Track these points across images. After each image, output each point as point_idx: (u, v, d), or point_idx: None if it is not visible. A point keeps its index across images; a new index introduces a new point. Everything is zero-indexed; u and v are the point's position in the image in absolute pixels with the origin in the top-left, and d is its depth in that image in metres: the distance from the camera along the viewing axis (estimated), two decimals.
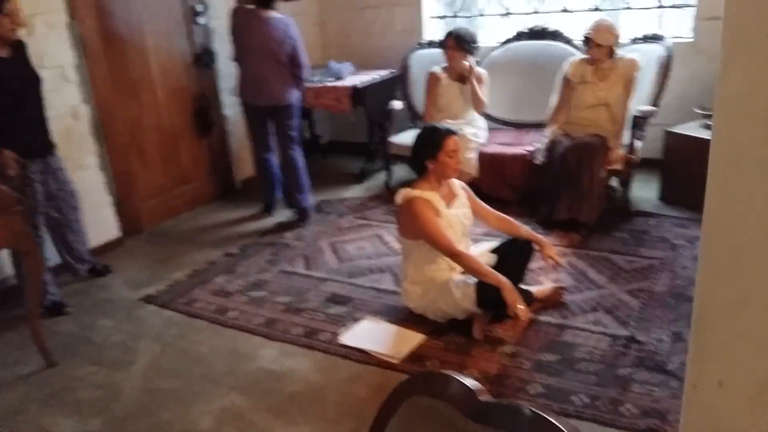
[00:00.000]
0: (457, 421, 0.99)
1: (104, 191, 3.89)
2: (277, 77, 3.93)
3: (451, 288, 2.69)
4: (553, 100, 3.97)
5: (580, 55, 3.94)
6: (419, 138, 2.83)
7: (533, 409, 0.89)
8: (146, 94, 4.15)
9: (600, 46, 3.67)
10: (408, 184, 2.87)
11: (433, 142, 2.72)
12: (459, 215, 2.82)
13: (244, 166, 5.00)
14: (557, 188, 3.70)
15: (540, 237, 2.90)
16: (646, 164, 4.00)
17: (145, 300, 3.31)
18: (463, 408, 0.98)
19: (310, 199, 4.25)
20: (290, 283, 3.36)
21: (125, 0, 3.94)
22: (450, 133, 2.75)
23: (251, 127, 4.24)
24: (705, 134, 3.70)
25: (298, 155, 4.17)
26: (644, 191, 4.06)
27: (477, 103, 4.21)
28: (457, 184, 2.92)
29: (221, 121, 4.73)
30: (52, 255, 3.36)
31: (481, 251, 2.89)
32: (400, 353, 2.65)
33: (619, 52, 3.77)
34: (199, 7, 4.44)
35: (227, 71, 4.71)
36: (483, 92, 4.19)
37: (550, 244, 2.86)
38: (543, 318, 2.79)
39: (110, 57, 3.85)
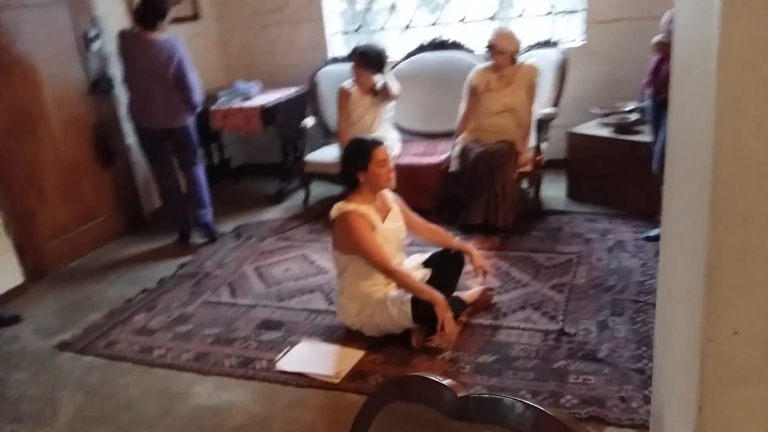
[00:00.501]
0: (438, 421, 0.99)
1: (2, 234, 3.60)
2: (165, 100, 3.86)
3: (388, 305, 2.70)
4: (462, 108, 4.09)
5: (483, 64, 4.08)
6: (347, 151, 2.82)
7: (515, 398, 0.91)
8: (41, 126, 3.89)
9: (503, 53, 3.81)
10: (332, 200, 2.87)
11: (362, 154, 2.72)
12: (394, 229, 2.84)
13: (153, 197, 4.79)
14: (472, 194, 3.80)
15: (470, 247, 2.97)
16: (552, 165, 4.20)
17: (60, 347, 3.08)
18: (442, 408, 0.99)
19: (210, 215, 4.20)
20: (217, 314, 3.24)
21: (11, 28, 3.69)
22: (377, 143, 2.76)
23: (147, 151, 4.10)
24: (604, 132, 3.94)
25: (199, 173, 4.13)
26: (553, 190, 4.25)
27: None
28: (391, 197, 2.93)
29: (124, 151, 4.52)
30: None
31: (415, 264, 2.93)
32: (341, 372, 2.62)
33: (520, 58, 3.94)
34: (92, 32, 4.24)
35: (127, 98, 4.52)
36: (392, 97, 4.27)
37: (479, 254, 2.94)
38: (476, 321, 2.86)
39: (2, 89, 3.60)
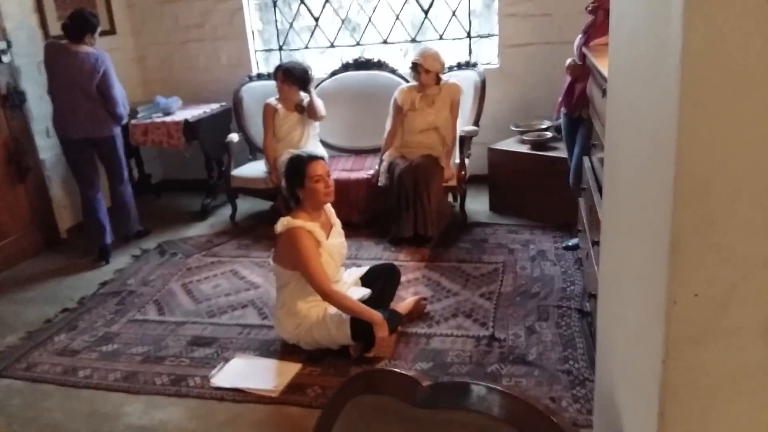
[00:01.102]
0: (404, 411, 1.03)
1: None
2: (88, 111, 3.90)
3: (327, 322, 2.73)
4: (388, 125, 4.19)
5: (407, 83, 4.21)
6: (286, 169, 2.86)
7: (478, 382, 0.98)
8: None
9: (428, 72, 3.94)
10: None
11: (298, 171, 2.75)
12: (337, 245, 2.87)
13: (68, 214, 4.58)
14: (400, 208, 3.90)
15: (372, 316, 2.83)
16: (475, 179, 4.38)
17: None
18: (408, 398, 1.03)
19: (135, 227, 4.35)
20: (144, 332, 3.15)
21: None
22: (313, 158, 2.80)
23: (70, 162, 4.11)
24: (522, 148, 4.16)
25: (127, 189, 4.24)
26: (476, 204, 4.43)
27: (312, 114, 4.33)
28: (333, 212, 2.98)
29: (38, 166, 4.31)
30: None
31: (353, 279, 2.99)
32: (279, 386, 2.62)
33: (443, 77, 4.10)
34: (1, 45, 4.04)
35: (40, 112, 4.33)
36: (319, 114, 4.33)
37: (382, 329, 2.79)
38: (410, 330, 2.93)
39: None
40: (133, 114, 4.65)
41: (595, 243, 2.46)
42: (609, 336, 1.26)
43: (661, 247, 0.67)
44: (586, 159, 3.09)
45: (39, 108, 4.32)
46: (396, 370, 1.08)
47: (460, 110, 4.25)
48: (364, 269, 3.07)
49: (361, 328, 2.69)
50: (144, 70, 5.44)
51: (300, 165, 2.77)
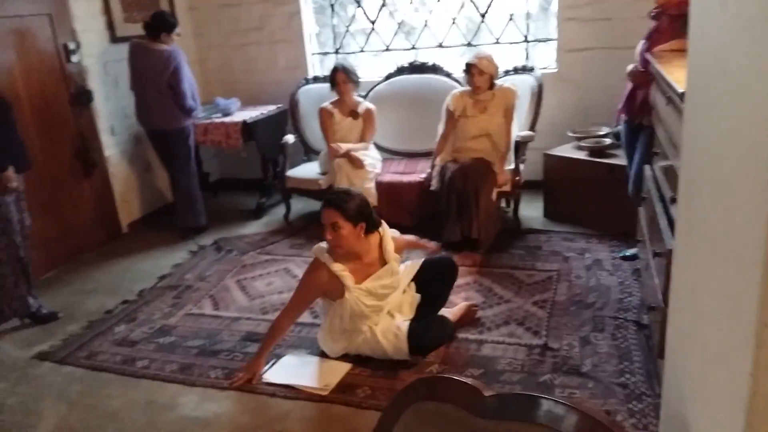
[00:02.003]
0: (466, 420, 1.03)
1: None
2: (159, 105, 4.26)
3: (379, 339, 2.70)
4: (440, 129, 4.17)
5: (460, 89, 4.15)
6: None
7: (541, 395, 0.96)
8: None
9: (482, 74, 3.88)
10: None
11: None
12: (381, 285, 2.73)
13: (131, 209, 4.76)
14: (449, 211, 3.87)
15: (424, 243, 3.12)
16: (530, 185, 4.32)
17: (39, 357, 3.02)
18: (470, 407, 1.02)
19: (194, 221, 4.51)
20: (199, 326, 3.22)
21: None
22: (325, 204, 2.65)
23: (155, 150, 4.61)
24: (579, 155, 4.07)
25: (192, 184, 4.47)
26: (530, 210, 4.37)
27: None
28: (391, 248, 2.76)
29: (103, 163, 4.48)
30: None
31: (406, 281, 2.89)
32: (329, 385, 2.64)
33: (497, 82, 4.06)
34: (71, 45, 4.22)
35: (106, 110, 4.51)
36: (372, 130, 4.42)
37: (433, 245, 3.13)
38: (461, 335, 2.90)
39: None
40: None
41: (657, 254, 2.40)
42: (680, 353, 1.21)
43: (753, 267, 0.64)
44: (647, 167, 3.01)
45: (105, 107, 4.50)
46: (458, 378, 1.07)
47: (516, 115, 4.21)
48: (418, 263, 2.94)
49: (420, 343, 2.69)
50: (205, 71, 5.58)
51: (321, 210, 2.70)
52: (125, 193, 4.68)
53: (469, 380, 1.05)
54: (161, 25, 4.20)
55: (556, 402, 0.93)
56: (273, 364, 2.81)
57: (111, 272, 4.01)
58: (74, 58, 4.25)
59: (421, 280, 2.90)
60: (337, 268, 2.66)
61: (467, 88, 4.05)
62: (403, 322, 2.74)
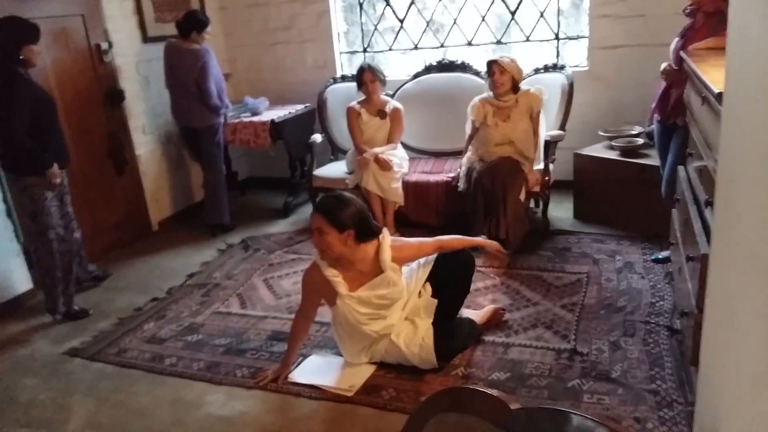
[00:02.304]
0: None
1: (13, 240, 3.60)
2: (188, 101, 4.38)
3: (403, 350, 2.66)
4: (468, 128, 4.13)
5: (481, 95, 3.99)
6: None
7: (571, 411, 0.93)
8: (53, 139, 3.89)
9: (503, 72, 3.77)
10: None
11: None
12: (374, 295, 2.64)
13: (161, 207, 4.82)
14: (476, 212, 3.83)
15: (479, 240, 3.00)
16: (559, 186, 4.25)
17: (70, 353, 3.08)
18: (496, 420, 1.00)
19: (219, 218, 4.57)
20: (226, 324, 3.25)
21: None
22: (315, 208, 2.63)
23: (186, 147, 4.85)
24: (611, 155, 3.99)
25: (218, 182, 4.54)
26: (559, 211, 4.30)
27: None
28: (387, 258, 2.62)
29: (134, 161, 4.54)
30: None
31: (419, 282, 2.79)
32: (354, 386, 2.63)
33: (524, 85, 3.94)
34: (104, 45, 4.28)
35: (137, 109, 4.57)
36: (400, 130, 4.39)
37: (491, 243, 2.99)
38: (488, 338, 2.87)
39: None
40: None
41: (690, 258, 2.33)
42: (715, 367, 1.17)
43: None
44: (680, 168, 2.94)
45: (136, 106, 4.57)
46: (484, 390, 1.05)
47: (546, 113, 4.15)
48: (431, 262, 2.79)
49: (446, 350, 2.67)
50: (234, 71, 5.62)
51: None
52: (156, 191, 4.75)
53: (494, 392, 1.02)
54: (192, 23, 4.27)
55: (585, 417, 0.90)
56: (299, 364, 2.82)
57: (141, 270, 4.07)
58: (106, 58, 4.32)
59: (437, 279, 2.77)
60: (330, 273, 2.61)
61: (488, 94, 3.94)
62: (426, 330, 2.67)
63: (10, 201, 3.56)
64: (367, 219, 2.61)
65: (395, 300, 2.67)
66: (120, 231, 4.43)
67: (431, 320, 2.72)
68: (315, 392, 2.62)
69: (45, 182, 3.18)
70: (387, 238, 2.67)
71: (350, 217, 2.53)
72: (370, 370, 2.73)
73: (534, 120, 3.89)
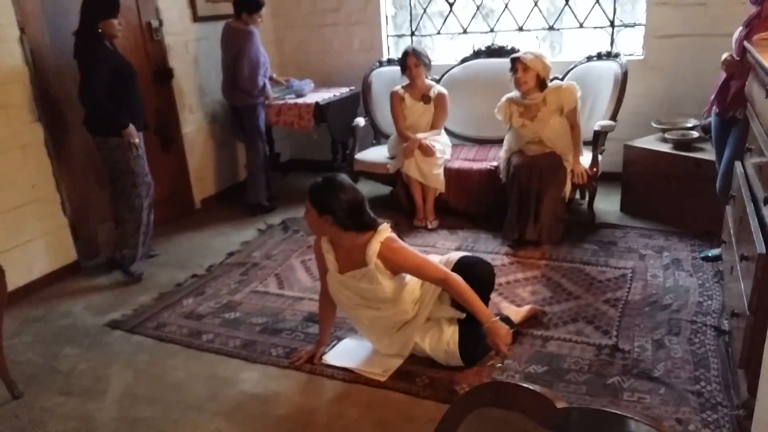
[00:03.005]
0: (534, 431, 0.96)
1: (59, 213, 3.70)
2: (227, 80, 4.48)
3: (428, 354, 2.61)
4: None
5: (508, 94, 3.82)
6: None
7: (624, 414, 0.87)
8: None
9: (527, 70, 3.59)
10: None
11: None
12: (356, 288, 2.55)
13: (204, 186, 4.88)
14: (511, 208, 3.72)
15: (487, 315, 2.50)
16: (607, 178, 4.12)
17: (110, 325, 3.15)
18: (540, 418, 0.95)
19: (254, 197, 4.63)
20: (264, 304, 3.26)
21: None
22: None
23: (234, 126, 4.89)
24: (663, 147, 3.85)
25: (253, 162, 4.60)
26: (606, 204, 4.18)
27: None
28: (372, 252, 2.46)
29: (180, 139, 4.60)
30: None
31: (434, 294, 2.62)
32: (388, 371, 2.61)
33: (555, 82, 3.76)
34: (154, 24, 4.33)
35: (185, 88, 4.62)
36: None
37: (497, 330, 2.49)
38: (525, 330, 2.80)
39: (63, 73, 3.68)
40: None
41: (745, 258, 2.22)
42: None
43: None
44: (738, 164, 2.80)
45: (185, 84, 4.61)
46: (528, 386, 1.00)
47: (597, 103, 4.03)
48: (453, 261, 2.65)
49: (475, 352, 2.60)
50: (281, 52, 5.63)
51: None
52: (200, 169, 4.80)
53: (538, 389, 0.97)
54: (242, 4, 4.30)
55: (641, 422, 0.84)
56: (333, 346, 2.81)
57: (183, 246, 4.13)
58: (157, 36, 4.37)
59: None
60: (326, 247, 2.60)
61: (514, 93, 3.77)
62: (451, 336, 2.57)
63: (59, 175, 3.65)
64: (358, 210, 2.45)
65: (380, 299, 2.54)
66: (164, 207, 4.49)
67: (456, 327, 2.60)
68: (348, 375, 2.61)
69: (123, 143, 3.44)
70: (383, 233, 2.49)
71: (335, 202, 2.40)
72: (403, 356, 2.70)
73: (569, 117, 3.68)
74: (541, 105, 3.69)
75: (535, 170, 3.62)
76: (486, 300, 2.64)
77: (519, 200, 3.68)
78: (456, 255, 2.71)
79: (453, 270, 2.55)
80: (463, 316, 2.58)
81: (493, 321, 2.48)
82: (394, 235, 2.54)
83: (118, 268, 3.69)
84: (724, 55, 3.06)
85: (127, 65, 3.52)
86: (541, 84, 3.67)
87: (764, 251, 1.96)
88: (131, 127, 3.44)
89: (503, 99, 3.84)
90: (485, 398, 1.03)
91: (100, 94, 3.34)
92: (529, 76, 3.62)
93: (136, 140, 3.48)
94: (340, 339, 2.87)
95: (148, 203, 3.66)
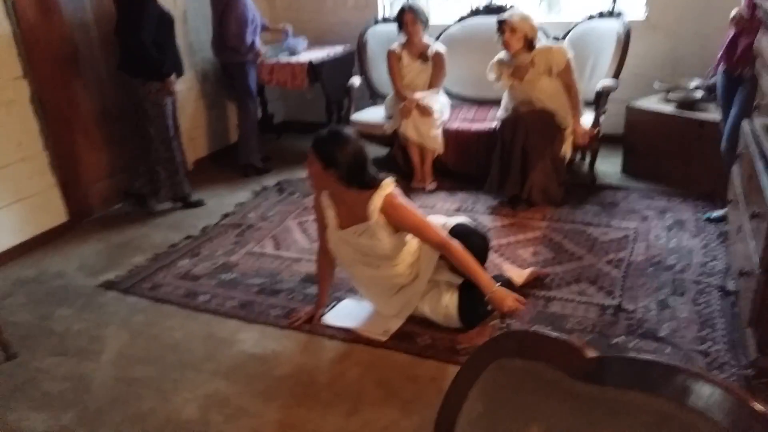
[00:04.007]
0: (562, 383, 0.91)
1: (48, 172, 3.59)
2: (216, 37, 4.37)
3: (428, 315, 2.58)
4: None
5: (498, 55, 3.76)
6: None
7: (667, 362, 0.82)
8: (88, 69, 3.84)
9: (514, 32, 3.52)
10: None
11: None
12: (357, 243, 2.50)
13: (196, 147, 4.76)
14: (496, 161, 3.69)
15: (487, 281, 2.45)
16: (608, 139, 4.06)
17: (105, 286, 3.08)
18: (568, 368, 0.90)
19: (246, 158, 4.55)
20: (261, 265, 3.21)
21: None
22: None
23: (225, 82, 4.77)
24: (666, 108, 3.78)
25: (244, 121, 4.52)
26: (607, 165, 4.12)
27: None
28: (375, 207, 2.40)
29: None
30: None
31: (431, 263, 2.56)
32: (389, 331, 2.57)
33: (542, 43, 3.67)
34: None
35: None
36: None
37: (502, 297, 2.48)
38: (528, 290, 2.76)
39: (47, 29, 3.54)
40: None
41: (755, 215, 2.18)
42: None
43: None
44: (745, 122, 2.75)
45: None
46: (554, 334, 0.95)
47: (598, 63, 3.94)
48: (449, 227, 2.57)
49: (474, 315, 2.54)
50: (273, 9, 5.46)
51: None
52: (191, 130, 4.68)
53: (566, 337, 0.92)
54: None
55: (675, 368, 0.78)
56: (333, 307, 2.77)
57: (175, 208, 4.03)
58: None
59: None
60: (326, 202, 2.54)
61: (503, 54, 3.70)
62: (450, 298, 2.52)
63: (47, 135, 3.54)
64: (362, 166, 2.38)
65: (379, 256, 2.49)
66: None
67: (455, 290, 2.55)
68: (349, 336, 2.58)
69: (164, 89, 3.67)
70: (387, 188, 2.43)
71: (341, 156, 2.33)
72: (403, 317, 2.66)
73: (563, 78, 3.59)
74: (529, 66, 3.61)
75: (520, 126, 3.57)
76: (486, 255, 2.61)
77: (501, 156, 3.64)
78: (453, 221, 2.65)
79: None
80: (460, 281, 2.54)
81: (494, 290, 2.44)
82: (397, 191, 2.47)
83: (179, 200, 3.98)
84: (734, 11, 2.98)
85: (168, 15, 3.67)
86: (529, 45, 3.59)
87: None
88: (173, 76, 3.68)
89: (494, 59, 3.78)
90: (508, 348, 0.98)
91: (148, 40, 3.49)
92: (516, 38, 3.55)
93: (176, 87, 3.73)
94: (339, 300, 2.82)
95: (177, 144, 3.89)
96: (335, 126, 2.47)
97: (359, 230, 2.46)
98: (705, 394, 0.75)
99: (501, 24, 3.57)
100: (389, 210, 2.42)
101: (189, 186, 4.00)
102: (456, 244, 2.42)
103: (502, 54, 3.74)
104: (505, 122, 3.64)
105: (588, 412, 0.89)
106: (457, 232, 2.53)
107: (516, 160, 3.59)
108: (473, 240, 2.54)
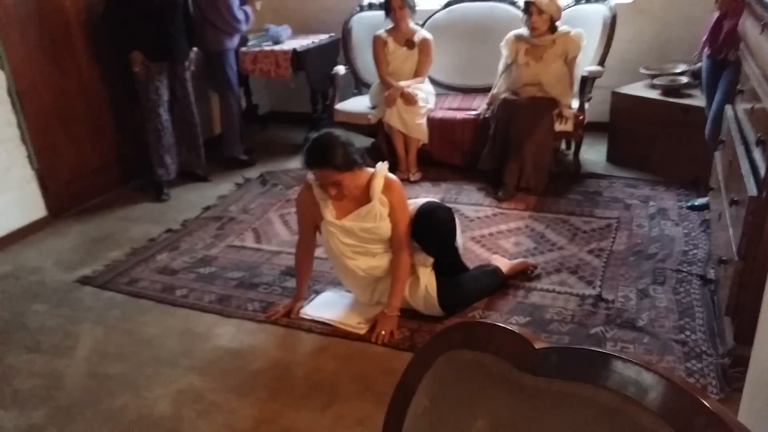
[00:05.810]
0: (509, 375, 0.87)
1: (27, 166, 3.54)
2: (199, 25, 4.14)
3: (408, 301, 2.55)
4: (501, 66, 3.88)
5: (517, 30, 3.76)
6: None
7: (615, 353, 0.78)
8: (68, 59, 3.77)
9: (541, 13, 3.53)
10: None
11: None
12: (358, 228, 2.49)
13: None
14: (491, 140, 3.69)
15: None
16: (593, 127, 4.01)
17: (81, 281, 3.04)
18: (516, 360, 0.86)
19: (229, 151, 4.50)
20: (240, 258, 3.17)
21: None
22: (312, 166, 2.44)
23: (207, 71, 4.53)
24: (652, 94, 3.74)
25: (226, 113, 4.44)
26: (592, 153, 4.08)
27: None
28: (377, 187, 2.45)
29: None
30: None
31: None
32: (362, 322, 2.54)
33: (562, 27, 3.66)
34: None
35: None
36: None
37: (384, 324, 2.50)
38: (508, 281, 2.73)
39: (24, 18, 3.47)
40: (243, 42, 4.65)
41: (735, 202, 2.15)
42: None
43: None
44: (728, 107, 2.71)
45: None
46: (503, 326, 0.91)
47: (584, 48, 3.90)
48: (416, 208, 2.57)
49: (455, 302, 2.55)
50: None
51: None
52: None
53: (516, 329, 0.88)
54: None
55: (626, 361, 0.74)
56: (311, 300, 2.74)
57: (156, 201, 3.97)
58: None
59: (418, 237, 2.55)
60: (320, 195, 2.49)
61: (524, 31, 3.70)
62: (428, 280, 2.51)
63: (25, 127, 3.48)
64: (353, 145, 2.45)
65: (379, 240, 2.50)
66: (136, 161, 4.33)
67: (431, 269, 2.55)
68: (326, 329, 2.55)
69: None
70: (384, 170, 2.50)
71: (345, 151, 2.36)
72: (381, 307, 2.63)
73: (569, 64, 3.66)
74: (549, 47, 3.63)
75: (520, 111, 3.58)
76: (452, 247, 2.59)
77: (494, 136, 3.64)
78: (420, 201, 2.65)
79: (414, 218, 2.53)
80: (431, 260, 2.54)
81: (391, 313, 2.49)
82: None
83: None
84: None
85: None
86: (552, 27, 3.61)
87: (755, 193, 1.89)
88: (135, 54, 3.61)
89: (511, 34, 3.78)
90: (456, 339, 0.94)
91: (106, 14, 3.62)
92: (543, 20, 3.57)
93: (136, 68, 3.64)
94: (318, 293, 2.79)
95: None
96: (314, 136, 2.47)
97: (362, 212, 2.48)
98: (648, 384, 0.71)
99: (528, 5, 3.58)
100: (388, 191, 2.47)
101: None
102: (406, 258, 2.50)
103: (520, 30, 3.75)
104: (504, 102, 3.67)
105: (534, 406, 0.85)
106: (425, 207, 2.56)
107: (513, 144, 3.59)
108: (440, 214, 2.56)
